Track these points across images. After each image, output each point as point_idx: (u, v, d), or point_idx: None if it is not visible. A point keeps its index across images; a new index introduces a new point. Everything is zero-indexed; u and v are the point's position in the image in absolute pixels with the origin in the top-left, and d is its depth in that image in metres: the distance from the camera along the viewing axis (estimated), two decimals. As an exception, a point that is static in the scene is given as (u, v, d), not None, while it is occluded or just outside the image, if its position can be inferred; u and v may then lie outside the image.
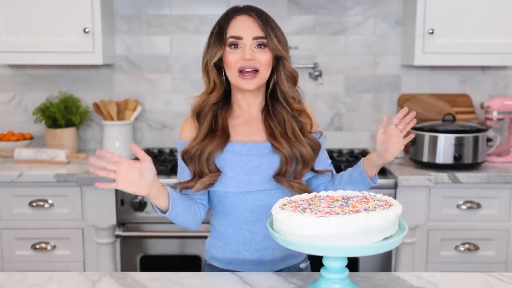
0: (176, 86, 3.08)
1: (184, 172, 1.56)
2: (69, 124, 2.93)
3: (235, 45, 1.49)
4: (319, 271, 1.29)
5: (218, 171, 1.50)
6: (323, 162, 1.61)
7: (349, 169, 1.60)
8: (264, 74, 1.51)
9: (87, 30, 2.69)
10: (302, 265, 1.63)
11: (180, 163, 1.57)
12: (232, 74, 1.50)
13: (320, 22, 3.04)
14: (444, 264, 2.57)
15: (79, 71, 3.06)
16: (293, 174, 1.52)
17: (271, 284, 1.39)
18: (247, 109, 1.58)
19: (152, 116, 3.11)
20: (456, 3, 2.71)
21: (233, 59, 1.49)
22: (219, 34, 1.50)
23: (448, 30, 2.72)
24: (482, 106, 2.87)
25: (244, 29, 1.49)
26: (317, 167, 1.57)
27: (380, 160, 1.52)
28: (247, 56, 1.47)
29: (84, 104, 3.05)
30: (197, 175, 1.51)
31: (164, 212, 1.45)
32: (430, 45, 2.72)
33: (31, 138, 2.97)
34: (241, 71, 1.49)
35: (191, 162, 1.52)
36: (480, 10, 2.71)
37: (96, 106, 2.94)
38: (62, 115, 2.88)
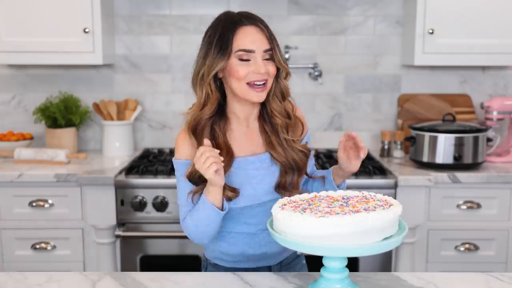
0: (176, 86, 3.08)
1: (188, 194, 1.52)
2: (69, 124, 2.93)
3: (246, 58, 1.45)
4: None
5: (234, 190, 1.48)
6: (309, 163, 1.63)
7: (320, 173, 1.64)
8: (270, 85, 1.50)
9: (87, 30, 2.69)
10: (299, 251, 1.65)
11: (183, 184, 1.51)
12: (240, 86, 1.46)
13: (320, 22, 3.04)
14: (444, 264, 2.57)
15: (79, 71, 3.06)
16: (291, 184, 1.53)
17: (271, 284, 1.39)
18: (245, 120, 1.55)
19: (152, 116, 3.11)
20: (456, 3, 2.71)
21: (243, 72, 1.44)
22: (222, 45, 1.44)
23: (448, 30, 2.72)
24: (482, 106, 2.87)
25: (255, 41, 1.44)
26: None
27: (344, 173, 1.55)
28: (262, 70, 1.44)
29: (84, 104, 3.05)
30: None
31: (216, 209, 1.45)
32: (430, 45, 2.72)
33: (31, 138, 2.98)
34: (250, 83, 1.46)
35: (202, 184, 1.48)
36: (480, 10, 2.71)
37: (96, 106, 2.94)
38: (62, 115, 2.88)
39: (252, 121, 1.56)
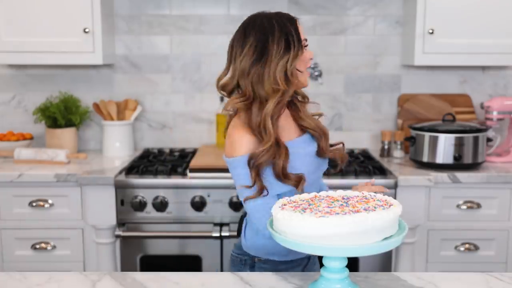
0: (176, 86, 3.08)
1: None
2: (69, 124, 2.93)
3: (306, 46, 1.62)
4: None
5: (300, 178, 1.54)
6: None
7: None
8: None
9: (87, 30, 2.69)
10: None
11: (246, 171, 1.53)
12: (305, 72, 1.61)
13: (320, 22, 3.04)
14: (444, 264, 2.57)
15: (79, 71, 3.06)
16: (326, 148, 1.68)
17: (271, 284, 1.39)
18: (283, 107, 1.62)
19: (152, 116, 3.11)
20: (456, 3, 2.71)
21: (307, 58, 1.61)
22: (298, 37, 1.57)
23: (448, 30, 2.72)
24: (482, 106, 2.87)
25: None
26: None
27: None
28: (313, 56, 1.64)
29: (84, 104, 3.05)
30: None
31: None
32: (430, 45, 2.72)
33: (31, 138, 2.98)
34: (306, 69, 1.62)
35: (255, 168, 1.50)
36: (480, 10, 2.71)
37: (96, 106, 2.94)
38: (62, 115, 2.88)
39: (285, 107, 1.65)
